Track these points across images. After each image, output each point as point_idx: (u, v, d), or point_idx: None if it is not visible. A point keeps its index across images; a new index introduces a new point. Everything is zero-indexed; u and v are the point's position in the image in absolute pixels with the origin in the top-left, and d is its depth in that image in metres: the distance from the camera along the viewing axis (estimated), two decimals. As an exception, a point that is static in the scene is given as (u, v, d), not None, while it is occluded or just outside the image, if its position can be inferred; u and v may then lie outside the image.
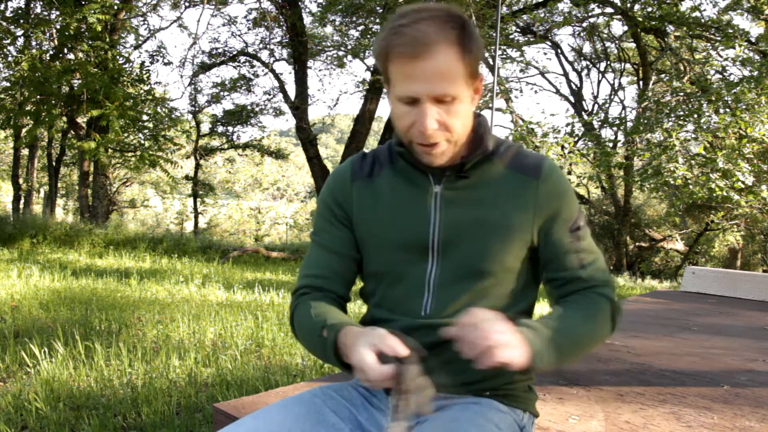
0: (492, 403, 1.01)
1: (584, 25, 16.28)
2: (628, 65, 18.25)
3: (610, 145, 12.71)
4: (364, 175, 1.08)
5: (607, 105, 17.52)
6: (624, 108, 19.02)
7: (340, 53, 16.31)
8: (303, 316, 1.03)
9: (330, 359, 0.95)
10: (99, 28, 11.20)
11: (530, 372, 1.08)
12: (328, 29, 16.22)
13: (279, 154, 18.39)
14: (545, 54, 56.28)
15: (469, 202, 1.00)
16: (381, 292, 1.08)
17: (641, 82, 15.60)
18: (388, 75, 0.94)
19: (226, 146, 18.53)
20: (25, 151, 16.09)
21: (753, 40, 11.36)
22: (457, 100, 0.92)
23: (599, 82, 35.60)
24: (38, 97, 11.42)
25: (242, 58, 16.40)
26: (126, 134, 12.91)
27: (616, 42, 17.76)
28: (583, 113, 17.47)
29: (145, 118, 13.19)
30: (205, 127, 18.47)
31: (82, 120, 13.04)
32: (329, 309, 1.03)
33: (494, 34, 9.43)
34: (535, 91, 37.48)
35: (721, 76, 11.79)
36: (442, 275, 1.01)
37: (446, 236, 1.00)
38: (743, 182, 9.12)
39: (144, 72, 13.66)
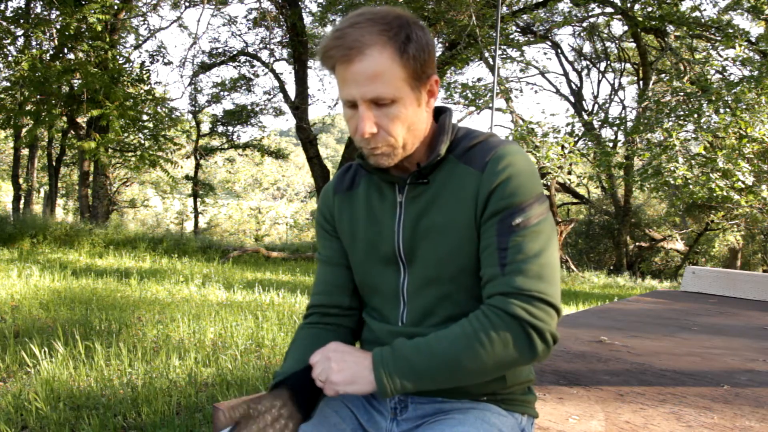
0: (490, 407, 1.01)
1: (584, 25, 16.29)
2: (628, 65, 18.27)
3: (610, 145, 12.72)
4: (344, 188, 1.11)
5: (607, 105, 17.59)
6: (624, 108, 19.06)
7: (340, 53, 16.29)
8: (302, 337, 1.11)
9: None
10: (99, 28, 11.21)
11: (527, 371, 1.08)
12: (328, 29, 16.22)
13: (279, 154, 18.41)
14: (545, 54, 56.29)
15: (426, 207, 0.99)
16: (366, 301, 1.11)
17: (641, 82, 15.61)
18: (336, 80, 0.95)
19: (226, 146, 18.55)
20: (25, 151, 16.10)
21: (753, 40, 11.36)
22: (397, 103, 0.90)
23: (599, 82, 35.67)
24: (38, 97, 11.42)
25: (242, 58, 16.42)
26: (126, 134, 12.91)
27: (616, 42, 17.77)
28: (583, 113, 17.48)
29: (145, 118, 13.19)
30: (205, 127, 18.49)
31: (82, 120, 13.05)
32: (302, 348, 1.06)
33: (494, 34, 9.44)
34: (535, 91, 37.56)
35: (721, 76, 11.79)
36: (411, 285, 1.01)
37: (408, 245, 1.00)
38: (743, 182, 9.12)
39: (144, 72, 13.66)
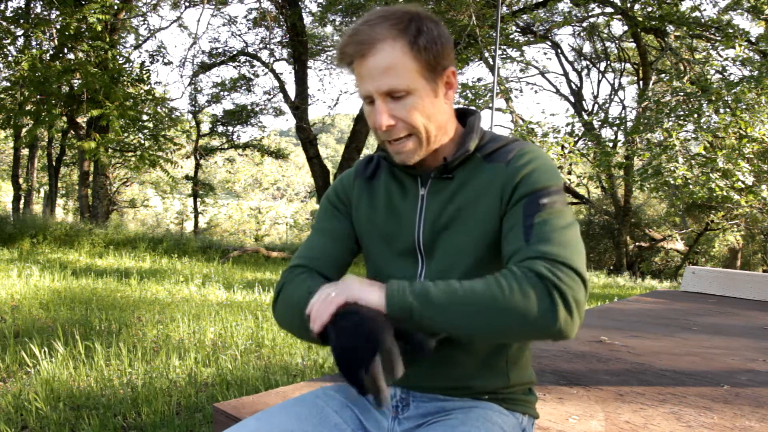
0: (492, 406, 1.01)
1: (584, 25, 16.28)
2: (628, 65, 18.25)
3: (610, 145, 12.71)
4: (365, 176, 1.11)
5: (607, 105, 17.55)
6: (624, 108, 19.03)
7: (341, 53, 16.30)
8: (295, 289, 1.01)
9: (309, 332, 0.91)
10: (99, 28, 11.20)
11: (530, 373, 1.08)
12: (328, 29, 16.23)
13: (279, 154, 18.41)
14: (545, 54, 56.28)
15: (449, 202, 1.00)
16: None
17: (641, 82, 15.60)
18: (354, 76, 0.97)
19: (226, 146, 18.54)
20: (25, 151, 16.10)
21: (753, 40, 11.36)
22: (412, 94, 0.92)
23: (599, 82, 35.65)
24: (38, 97, 11.42)
25: (242, 58, 16.42)
26: (126, 134, 12.91)
27: (616, 42, 17.76)
28: (583, 113, 17.47)
29: (145, 118, 13.19)
30: (205, 127, 18.48)
31: (82, 120, 13.04)
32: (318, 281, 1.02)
33: (494, 34, 9.44)
34: (535, 91, 37.58)
35: (721, 76, 11.79)
36: (428, 276, 1.02)
37: (428, 238, 1.01)
38: (743, 182, 9.12)
39: (144, 72, 13.66)
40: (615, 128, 14.37)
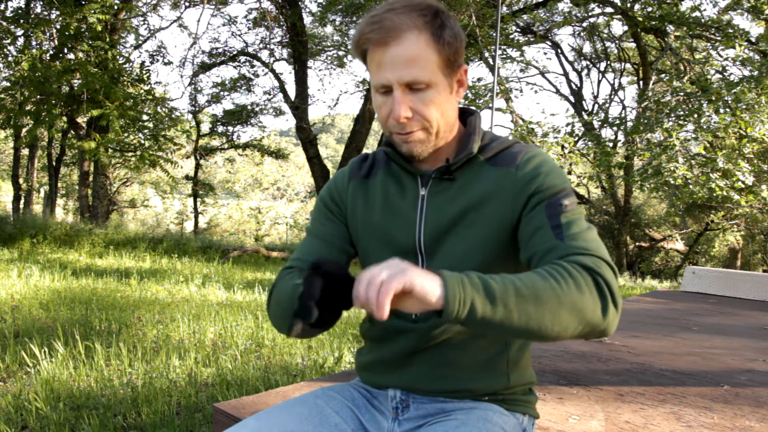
0: (492, 407, 1.01)
1: (584, 25, 16.28)
2: (628, 65, 18.25)
3: (610, 145, 12.71)
4: (360, 175, 1.09)
5: (607, 105, 17.54)
6: (624, 108, 19.03)
7: (340, 53, 16.35)
8: (283, 285, 0.98)
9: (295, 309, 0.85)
10: (99, 28, 11.21)
11: (530, 373, 1.08)
12: (328, 29, 16.24)
13: (279, 154, 18.41)
14: (545, 54, 56.26)
15: (452, 203, 0.99)
16: None
17: (641, 82, 15.59)
18: (368, 66, 0.95)
19: (226, 146, 18.54)
20: (25, 151, 16.09)
21: (753, 40, 11.37)
22: (432, 88, 0.91)
23: (599, 82, 35.61)
24: (38, 97, 11.42)
25: (242, 58, 16.42)
26: (126, 134, 12.91)
27: (616, 42, 17.76)
28: (583, 113, 17.46)
29: (145, 118, 13.19)
30: (205, 127, 18.48)
31: (82, 120, 13.04)
32: None
33: (494, 34, 9.44)
34: (535, 91, 37.58)
35: (721, 76, 11.80)
36: None
37: (429, 239, 1.00)
38: (743, 182, 9.12)
39: (144, 72, 13.66)
40: (615, 128, 14.37)
